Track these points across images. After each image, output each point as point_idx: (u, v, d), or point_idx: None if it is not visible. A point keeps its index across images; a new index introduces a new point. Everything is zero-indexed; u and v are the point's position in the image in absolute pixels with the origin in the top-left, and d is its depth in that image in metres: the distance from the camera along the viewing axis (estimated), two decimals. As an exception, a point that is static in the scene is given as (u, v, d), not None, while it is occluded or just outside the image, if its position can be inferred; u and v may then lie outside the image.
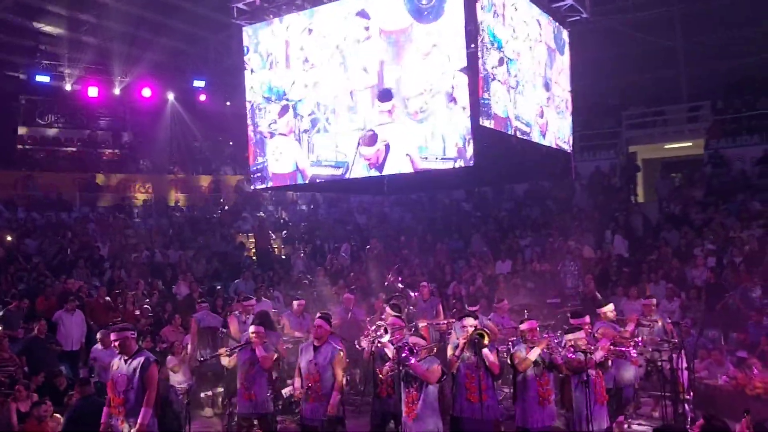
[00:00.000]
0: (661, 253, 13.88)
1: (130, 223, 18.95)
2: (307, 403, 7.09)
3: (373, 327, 7.94)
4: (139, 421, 6.23)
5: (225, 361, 7.88)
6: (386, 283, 12.11)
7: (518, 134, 9.01)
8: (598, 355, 6.93)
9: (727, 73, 20.95)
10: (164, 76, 21.57)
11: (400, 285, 11.90)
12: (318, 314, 7.64)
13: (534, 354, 6.81)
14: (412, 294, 11.42)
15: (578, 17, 11.06)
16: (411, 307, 10.79)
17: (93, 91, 20.25)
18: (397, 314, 8.13)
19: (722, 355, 10.16)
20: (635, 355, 7.68)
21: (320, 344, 7.16)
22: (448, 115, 8.07)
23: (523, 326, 7.19)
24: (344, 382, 7.48)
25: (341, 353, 7.20)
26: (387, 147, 8.55)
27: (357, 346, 8.43)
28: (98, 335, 10.23)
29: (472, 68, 8.01)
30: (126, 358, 6.46)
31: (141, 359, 6.42)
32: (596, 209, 17.06)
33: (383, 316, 8.82)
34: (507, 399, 8.87)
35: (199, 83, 21.79)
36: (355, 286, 13.28)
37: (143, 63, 20.45)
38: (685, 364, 8.70)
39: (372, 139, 8.62)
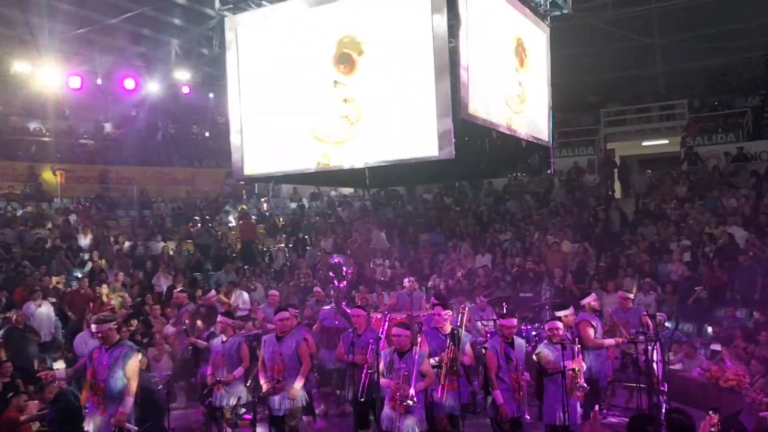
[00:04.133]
0: (638, 248, 14.12)
1: (112, 215, 18.86)
2: (274, 394, 7.12)
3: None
4: (120, 409, 6.33)
5: None
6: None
7: (498, 128, 9.10)
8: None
9: (704, 71, 21.34)
10: (147, 68, 21.39)
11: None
12: (278, 308, 7.86)
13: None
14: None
15: (559, 13, 11.16)
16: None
17: (75, 82, 19.99)
18: None
19: (696, 347, 10.38)
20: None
21: (284, 335, 7.27)
22: (426, 108, 8.13)
23: (503, 321, 7.31)
24: (309, 370, 7.57)
25: (306, 341, 7.37)
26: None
27: None
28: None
29: (452, 62, 8.07)
30: (107, 347, 6.53)
31: (123, 349, 6.53)
32: (575, 204, 17.27)
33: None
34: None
35: (182, 75, 21.63)
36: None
37: (126, 54, 20.28)
38: (659, 357, 8.88)
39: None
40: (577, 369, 6.97)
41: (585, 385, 7.08)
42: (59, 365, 10.38)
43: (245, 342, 8.08)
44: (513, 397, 6.87)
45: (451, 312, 7.76)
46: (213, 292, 10.52)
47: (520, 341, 7.30)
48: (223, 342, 7.78)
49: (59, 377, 7.42)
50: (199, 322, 9.35)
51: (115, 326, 6.71)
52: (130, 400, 6.40)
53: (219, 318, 8.06)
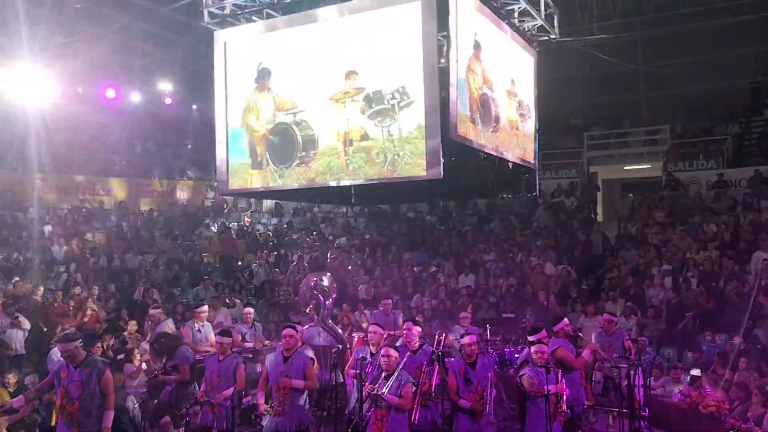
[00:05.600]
0: (620, 272, 14.16)
1: (88, 227, 18.53)
2: (276, 416, 6.87)
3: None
4: (103, 424, 6.16)
5: None
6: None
7: (486, 149, 9.12)
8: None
9: (686, 98, 21.65)
10: (129, 78, 21.19)
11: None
12: (284, 325, 7.62)
13: None
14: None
15: (546, 38, 11.27)
16: None
17: (56, 90, 19.66)
18: None
19: (678, 373, 10.38)
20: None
21: (290, 354, 7.03)
22: (416, 127, 8.12)
23: (464, 340, 7.34)
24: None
25: (314, 362, 7.15)
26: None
27: None
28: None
29: (442, 83, 8.10)
30: (75, 365, 6.29)
31: (95, 366, 6.30)
32: (558, 226, 17.31)
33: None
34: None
35: (165, 86, 21.46)
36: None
37: (107, 63, 20.08)
38: (641, 381, 8.85)
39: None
40: (559, 394, 6.91)
41: (567, 410, 7.03)
42: (31, 380, 10.12)
43: (243, 362, 7.78)
44: (473, 419, 6.85)
45: (420, 329, 7.84)
46: (205, 307, 10.25)
47: (486, 361, 7.32)
48: (219, 361, 7.50)
49: (16, 405, 7.13)
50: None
51: (81, 344, 6.44)
52: (111, 414, 6.23)
53: (217, 338, 7.79)
